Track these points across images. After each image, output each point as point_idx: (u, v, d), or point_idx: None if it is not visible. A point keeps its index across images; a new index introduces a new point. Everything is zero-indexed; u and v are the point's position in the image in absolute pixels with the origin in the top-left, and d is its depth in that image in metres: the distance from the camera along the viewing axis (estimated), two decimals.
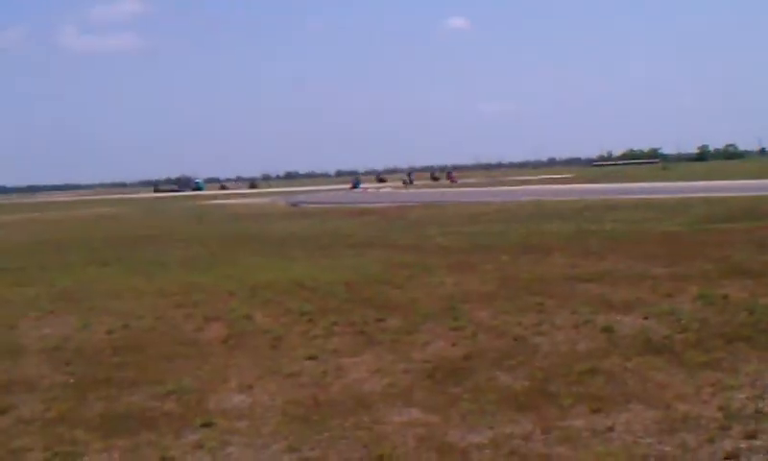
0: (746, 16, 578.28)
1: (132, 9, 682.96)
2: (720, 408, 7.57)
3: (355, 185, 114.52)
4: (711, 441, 6.82)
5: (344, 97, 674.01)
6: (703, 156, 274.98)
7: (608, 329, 11.05)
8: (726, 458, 6.54)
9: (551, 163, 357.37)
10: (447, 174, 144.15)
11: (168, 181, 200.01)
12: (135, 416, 8.53)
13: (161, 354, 11.20)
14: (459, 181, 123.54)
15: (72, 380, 10.10)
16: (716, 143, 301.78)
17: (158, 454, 7.35)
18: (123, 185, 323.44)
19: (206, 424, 8.04)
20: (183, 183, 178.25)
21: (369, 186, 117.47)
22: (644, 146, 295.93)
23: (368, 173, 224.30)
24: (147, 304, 15.34)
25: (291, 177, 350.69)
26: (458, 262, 19.23)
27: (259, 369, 10.09)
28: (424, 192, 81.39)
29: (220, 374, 10.00)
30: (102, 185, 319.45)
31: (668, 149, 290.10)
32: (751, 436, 6.86)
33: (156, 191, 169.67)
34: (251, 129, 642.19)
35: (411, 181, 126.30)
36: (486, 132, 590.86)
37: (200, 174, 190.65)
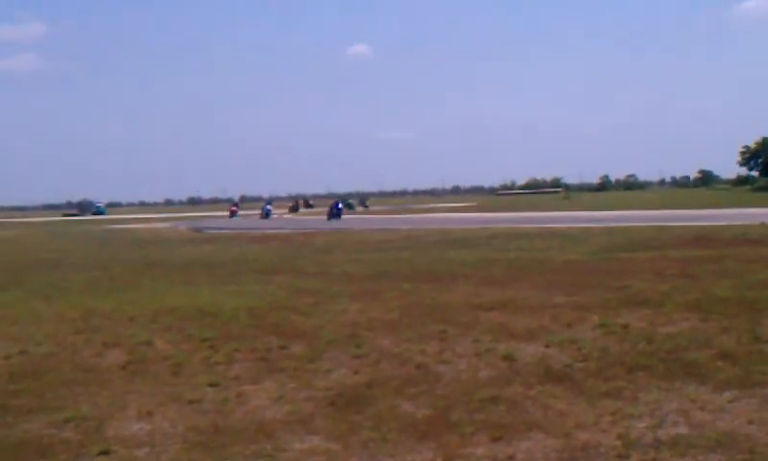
0: (650, 50, 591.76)
1: (34, 31, 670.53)
2: (619, 437, 7.67)
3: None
4: None
5: (250, 123, 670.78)
6: (604, 185, 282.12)
7: (509, 358, 11.12)
8: None
9: (455, 192, 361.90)
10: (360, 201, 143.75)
11: (70, 205, 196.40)
12: (32, 443, 8.31)
13: (60, 381, 10.94)
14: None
15: None
16: (618, 174, 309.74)
17: None
18: (24, 209, 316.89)
19: (104, 452, 7.88)
20: (85, 208, 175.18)
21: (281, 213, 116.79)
22: (547, 175, 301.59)
23: (275, 198, 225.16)
24: (46, 330, 14.96)
25: (194, 202, 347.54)
26: (362, 289, 19.24)
27: (159, 396, 9.94)
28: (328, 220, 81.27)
29: (119, 400, 9.81)
30: (1, 209, 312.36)
31: (571, 179, 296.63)
32: None
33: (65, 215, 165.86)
34: (156, 151, 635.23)
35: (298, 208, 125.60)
36: (390, 159, 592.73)
37: (101, 198, 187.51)
